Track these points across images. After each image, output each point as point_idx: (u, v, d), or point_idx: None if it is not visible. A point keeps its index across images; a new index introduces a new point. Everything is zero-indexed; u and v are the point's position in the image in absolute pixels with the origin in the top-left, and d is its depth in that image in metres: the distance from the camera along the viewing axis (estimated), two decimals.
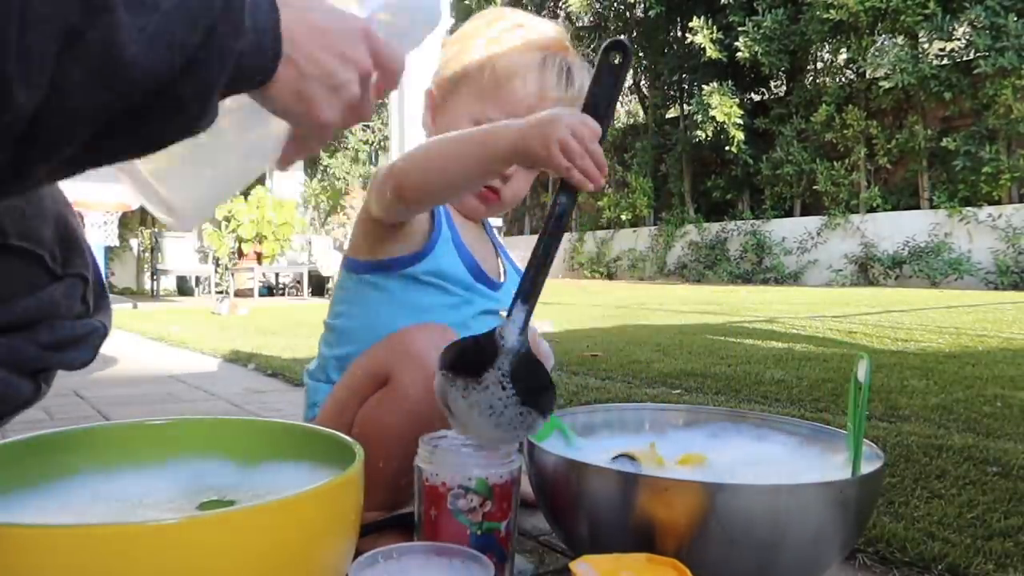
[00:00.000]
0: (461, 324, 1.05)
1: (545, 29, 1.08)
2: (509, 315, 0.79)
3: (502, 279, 1.14)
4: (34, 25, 0.40)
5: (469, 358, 0.78)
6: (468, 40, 1.08)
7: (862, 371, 0.78)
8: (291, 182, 11.89)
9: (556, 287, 10.17)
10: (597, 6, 14.75)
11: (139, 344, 3.76)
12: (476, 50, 1.06)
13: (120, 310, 6.09)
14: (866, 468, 0.80)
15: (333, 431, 0.77)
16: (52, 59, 0.41)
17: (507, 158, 0.85)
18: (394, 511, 0.94)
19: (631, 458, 0.85)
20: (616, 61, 0.80)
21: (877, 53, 10.80)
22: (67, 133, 0.44)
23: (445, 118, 1.09)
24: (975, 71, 9.62)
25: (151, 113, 0.46)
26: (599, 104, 0.80)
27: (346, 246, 1.13)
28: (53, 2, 0.40)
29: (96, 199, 6.25)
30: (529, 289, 0.79)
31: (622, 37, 0.80)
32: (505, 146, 0.83)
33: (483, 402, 0.77)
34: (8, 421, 0.69)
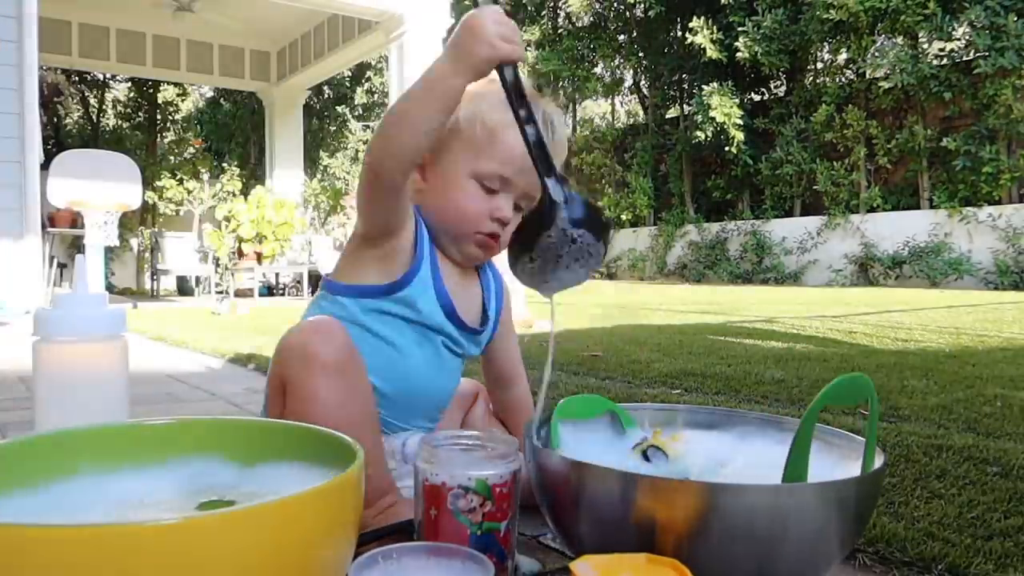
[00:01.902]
0: (428, 359, 1.10)
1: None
2: (545, 187, 0.90)
3: (480, 326, 1.16)
4: None
5: (533, 227, 0.91)
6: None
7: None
8: (291, 182, 11.89)
9: None
10: (597, 6, 14.76)
11: (139, 344, 3.76)
12: (460, 105, 1.06)
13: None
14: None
15: (331, 431, 0.77)
16: None
17: (462, 78, 0.91)
18: (368, 508, 0.94)
19: (657, 448, 0.88)
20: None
21: (877, 53, 10.82)
22: None
23: (438, 176, 1.09)
24: (975, 71, 9.62)
25: None
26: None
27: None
28: None
29: (96, 199, 6.25)
30: (546, 164, 0.90)
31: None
32: (454, 70, 0.91)
33: (549, 253, 0.90)
34: None
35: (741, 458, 0.92)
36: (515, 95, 0.91)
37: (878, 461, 0.80)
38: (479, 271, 1.20)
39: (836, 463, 0.87)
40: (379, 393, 1.06)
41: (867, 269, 10.75)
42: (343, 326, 0.99)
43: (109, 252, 7.47)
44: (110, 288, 10.27)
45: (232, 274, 10.15)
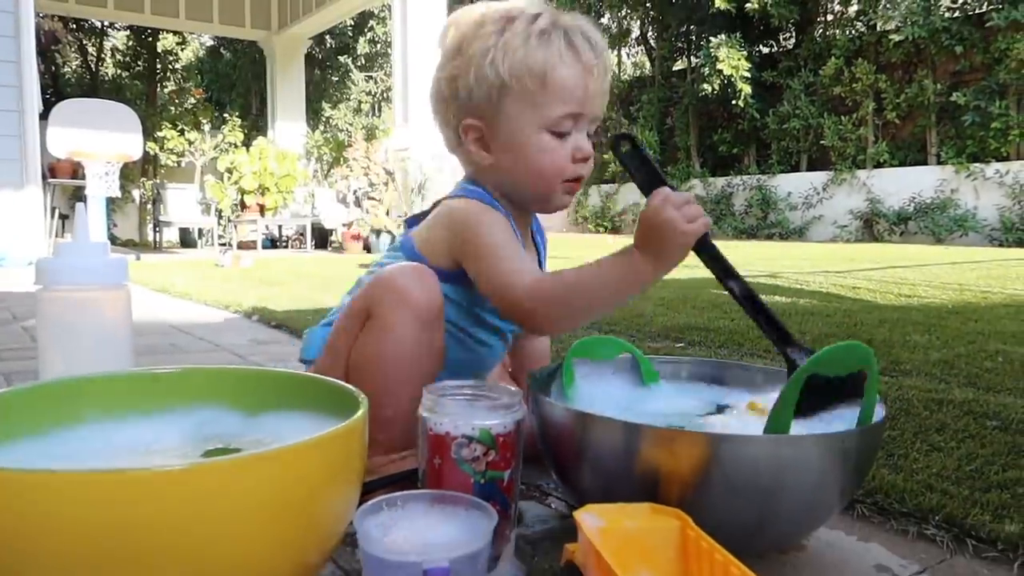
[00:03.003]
0: (473, 357, 1.09)
1: (526, 7, 1.03)
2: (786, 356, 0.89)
3: None
4: None
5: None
6: (469, 57, 1.01)
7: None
8: (293, 133, 11.78)
9: (560, 241, 10.15)
10: None
11: (143, 296, 3.77)
12: (490, 60, 1.00)
13: None
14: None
15: (336, 380, 0.77)
16: None
17: (662, 274, 0.90)
18: (391, 453, 0.95)
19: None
20: (625, 149, 0.92)
21: (889, 5, 10.61)
22: None
23: (504, 145, 1.02)
24: (987, 24, 9.45)
25: None
26: (658, 179, 0.90)
27: (414, 228, 1.10)
28: None
29: (97, 149, 6.21)
30: (775, 329, 0.90)
31: (625, 131, 0.87)
32: (655, 271, 0.89)
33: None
34: None
35: None
36: (718, 268, 0.91)
37: (879, 414, 0.81)
38: (532, 228, 1.16)
39: (841, 414, 0.87)
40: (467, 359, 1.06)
41: (872, 225, 10.70)
42: (438, 280, 0.97)
43: (111, 203, 7.45)
44: (113, 240, 10.26)
45: (235, 226, 10.12)
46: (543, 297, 0.93)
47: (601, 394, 1.00)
